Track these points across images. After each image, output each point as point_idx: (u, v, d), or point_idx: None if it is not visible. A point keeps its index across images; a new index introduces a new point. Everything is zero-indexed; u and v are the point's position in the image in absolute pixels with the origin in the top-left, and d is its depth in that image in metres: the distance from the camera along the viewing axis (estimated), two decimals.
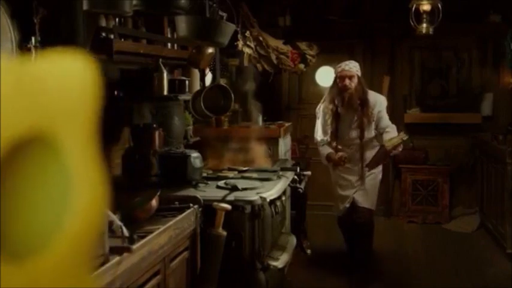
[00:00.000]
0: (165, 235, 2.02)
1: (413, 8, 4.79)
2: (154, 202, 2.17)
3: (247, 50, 4.63)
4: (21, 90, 0.56)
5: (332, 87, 3.99)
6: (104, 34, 2.74)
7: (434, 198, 5.57)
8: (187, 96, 3.48)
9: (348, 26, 5.69)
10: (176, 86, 3.40)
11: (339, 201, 4.01)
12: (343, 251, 4.21)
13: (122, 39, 2.92)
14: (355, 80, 3.83)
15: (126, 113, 2.88)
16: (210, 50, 3.58)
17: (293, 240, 3.29)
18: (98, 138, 0.70)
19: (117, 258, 1.65)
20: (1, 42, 1.92)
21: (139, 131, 2.78)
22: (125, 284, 1.69)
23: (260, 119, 4.29)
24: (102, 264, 1.59)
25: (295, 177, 3.37)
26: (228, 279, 2.48)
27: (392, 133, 3.81)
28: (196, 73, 3.93)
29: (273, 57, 4.73)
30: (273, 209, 2.78)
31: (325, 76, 5.68)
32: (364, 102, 3.86)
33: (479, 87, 5.71)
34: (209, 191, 2.67)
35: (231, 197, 2.55)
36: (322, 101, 4.09)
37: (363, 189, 3.92)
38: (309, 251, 3.82)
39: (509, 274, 3.98)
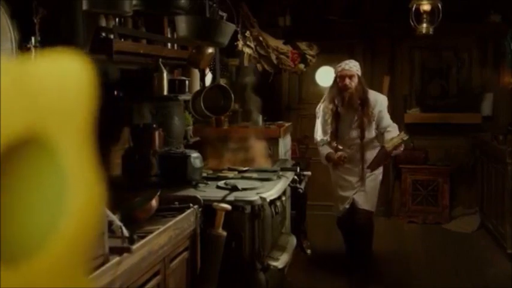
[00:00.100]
0: (165, 235, 2.02)
1: (414, 8, 4.79)
2: (154, 202, 2.17)
3: (247, 50, 4.63)
4: (18, 91, 0.56)
5: (332, 86, 3.98)
6: (103, 34, 2.74)
7: (434, 199, 5.57)
8: (187, 96, 3.48)
9: (348, 26, 5.69)
10: (176, 86, 3.40)
11: (339, 202, 4.00)
12: (343, 251, 4.21)
13: (122, 39, 2.92)
14: (356, 79, 3.82)
15: (126, 113, 2.88)
16: (210, 50, 3.58)
17: (293, 240, 3.29)
18: (95, 139, 0.69)
19: (117, 259, 1.64)
20: (1, 42, 1.92)
21: (139, 131, 2.78)
22: (124, 284, 1.69)
23: (260, 118, 4.29)
24: (102, 264, 1.58)
25: (295, 177, 3.36)
26: (228, 280, 2.48)
27: (393, 132, 3.80)
28: (196, 73, 3.93)
29: (273, 57, 4.73)
30: (273, 209, 2.78)
31: (325, 76, 5.68)
32: (365, 102, 3.85)
33: (480, 87, 5.71)
34: (209, 191, 2.67)
35: (231, 197, 2.55)
36: (322, 100, 4.08)
37: (363, 191, 3.90)
38: (309, 251, 3.83)
39: (510, 274, 3.98)
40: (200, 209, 2.39)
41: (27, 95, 0.57)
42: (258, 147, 3.57)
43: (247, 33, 4.57)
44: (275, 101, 5.88)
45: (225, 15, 3.03)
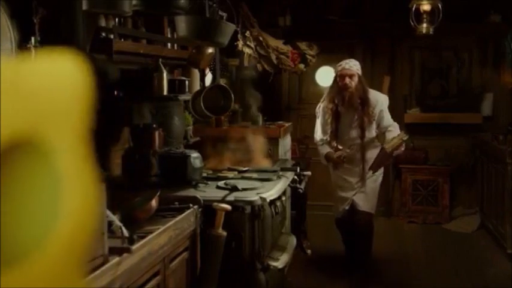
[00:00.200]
0: (165, 235, 2.02)
1: (414, 8, 4.79)
2: (154, 202, 2.17)
3: (247, 50, 4.62)
4: (12, 92, 0.55)
5: (332, 86, 3.96)
6: (103, 34, 2.74)
7: (434, 199, 5.57)
8: (187, 96, 3.48)
9: (348, 26, 5.68)
10: (176, 86, 3.39)
11: (339, 203, 3.99)
12: (343, 251, 4.21)
13: (122, 39, 2.92)
14: (356, 78, 3.80)
15: (126, 113, 2.88)
16: (210, 50, 3.58)
17: (293, 240, 3.29)
18: (93, 139, 0.68)
19: (116, 259, 1.64)
20: (1, 42, 1.92)
21: (139, 131, 2.78)
22: (124, 284, 1.69)
23: (260, 118, 4.29)
24: (102, 264, 1.58)
25: (295, 177, 3.36)
26: (228, 280, 2.47)
27: (394, 132, 3.79)
28: (196, 73, 3.93)
29: (273, 57, 4.73)
30: (273, 209, 2.78)
31: (325, 76, 5.68)
32: (365, 101, 3.83)
33: (480, 87, 5.71)
34: (209, 191, 2.66)
35: (231, 198, 2.55)
36: (322, 100, 4.06)
37: (363, 192, 3.88)
38: (309, 251, 3.82)
39: (510, 274, 3.98)
40: (200, 209, 2.38)
41: (21, 96, 0.56)
42: (258, 147, 3.57)
43: (247, 33, 4.57)
44: (275, 101, 5.88)
45: (225, 15, 3.03)
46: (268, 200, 2.64)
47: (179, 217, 2.19)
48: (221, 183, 2.81)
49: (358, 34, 5.74)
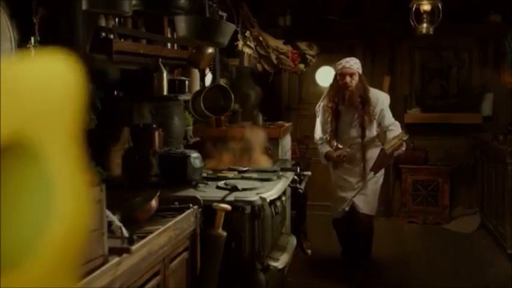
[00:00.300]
0: (165, 235, 2.02)
1: (414, 8, 4.79)
2: (154, 202, 2.16)
3: (247, 50, 4.62)
4: (4, 93, 0.54)
5: (332, 84, 3.94)
6: (103, 34, 2.74)
7: (434, 199, 5.57)
8: (187, 96, 3.48)
9: (348, 26, 5.68)
10: (176, 86, 3.39)
11: (338, 203, 3.97)
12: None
13: (122, 39, 2.92)
14: (356, 77, 3.78)
15: (126, 113, 2.88)
16: (210, 50, 3.58)
17: (293, 240, 3.29)
18: (84, 140, 0.67)
19: (116, 259, 1.64)
20: (0, 42, 1.92)
21: (139, 131, 2.77)
22: (124, 284, 1.69)
23: (260, 118, 4.29)
24: (102, 264, 1.58)
25: (295, 177, 3.36)
26: (228, 280, 2.47)
27: (395, 131, 3.77)
28: (196, 73, 3.93)
29: (273, 57, 4.73)
30: (273, 210, 2.77)
31: (325, 76, 5.67)
32: (365, 100, 3.81)
33: (480, 87, 5.71)
34: (209, 192, 2.66)
35: (231, 198, 2.55)
36: (322, 98, 4.05)
37: (363, 194, 3.86)
38: (309, 252, 3.82)
39: (510, 274, 3.98)
40: (200, 209, 2.38)
41: (11, 97, 0.55)
42: (258, 147, 3.57)
43: (247, 33, 4.57)
44: (275, 101, 5.88)
45: (225, 15, 3.03)
46: (268, 200, 2.64)
47: (179, 217, 2.18)
48: (221, 183, 2.80)
49: (358, 34, 5.74)
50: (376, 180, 3.90)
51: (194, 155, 2.76)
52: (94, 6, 2.23)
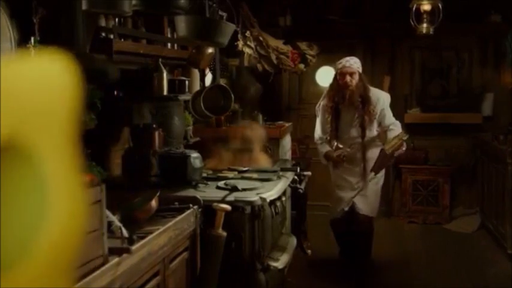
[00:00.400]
0: (165, 236, 2.01)
1: (414, 8, 4.79)
2: (154, 202, 2.16)
3: (247, 50, 4.62)
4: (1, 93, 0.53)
5: (332, 84, 3.93)
6: (103, 34, 2.74)
7: (434, 199, 5.56)
8: (187, 96, 3.48)
9: (348, 26, 5.68)
10: (176, 86, 3.39)
11: (337, 203, 3.96)
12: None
13: (122, 39, 2.92)
14: (356, 76, 3.77)
15: (126, 113, 2.88)
16: (210, 50, 3.58)
17: (293, 240, 3.28)
18: (78, 141, 0.66)
19: (116, 259, 1.64)
20: (0, 42, 1.92)
21: (139, 131, 2.77)
22: (124, 284, 1.68)
23: (260, 118, 4.28)
24: (102, 265, 1.58)
25: (296, 177, 3.35)
26: (228, 280, 2.47)
27: (396, 131, 3.76)
28: (196, 73, 3.92)
29: (273, 57, 4.73)
30: (273, 210, 2.77)
31: (325, 76, 5.67)
32: (366, 100, 3.79)
33: (480, 87, 5.71)
34: (209, 192, 2.66)
35: (231, 198, 2.54)
36: (322, 98, 4.04)
37: (364, 195, 3.85)
38: (309, 252, 3.81)
39: (510, 274, 3.97)
40: (200, 210, 2.38)
41: (7, 98, 0.54)
42: (258, 147, 3.56)
43: (248, 33, 4.57)
44: (275, 101, 5.88)
45: (225, 15, 3.03)
46: (268, 200, 2.64)
47: (179, 217, 2.18)
48: (221, 184, 2.80)
49: (358, 34, 5.74)
50: (376, 181, 3.88)
51: (194, 155, 2.76)
52: (94, 6, 2.23)
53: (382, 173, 3.91)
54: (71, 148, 0.64)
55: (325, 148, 3.93)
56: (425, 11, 4.77)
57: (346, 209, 3.90)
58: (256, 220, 2.55)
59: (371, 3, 5.75)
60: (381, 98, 3.87)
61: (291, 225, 3.46)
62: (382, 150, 3.69)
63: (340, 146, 3.88)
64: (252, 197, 2.57)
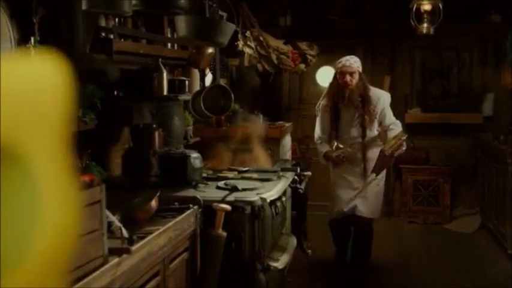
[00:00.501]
0: (165, 236, 2.01)
1: (414, 8, 4.78)
2: (154, 203, 2.16)
3: (247, 50, 4.62)
4: None
5: (332, 83, 3.91)
6: (103, 34, 2.74)
7: (435, 199, 5.56)
8: (187, 96, 3.47)
9: (348, 26, 5.68)
10: (176, 86, 3.39)
11: (336, 202, 3.93)
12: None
13: (122, 39, 2.92)
14: (356, 76, 3.75)
15: (126, 113, 2.88)
16: (210, 50, 3.58)
17: (293, 241, 3.28)
18: (71, 143, 0.64)
19: (116, 260, 1.64)
20: (0, 41, 1.91)
21: (139, 131, 2.77)
22: (124, 285, 1.68)
23: (260, 118, 4.28)
24: (101, 265, 1.58)
25: (296, 177, 3.35)
26: (228, 280, 2.47)
27: (396, 130, 3.74)
28: (196, 73, 3.92)
29: (274, 57, 4.72)
30: (273, 210, 2.77)
31: (325, 76, 5.66)
32: (366, 99, 3.77)
33: (480, 87, 5.70)
34: (209, 192, 2.66)
35: (231, 198, 2.54)
36: (321, 97, 4.02)
37: (364, 197, 3.83)
38: (309, 252, 3.81)
39: (510, 274, 3.97)
40: (200, 210, 2.38)
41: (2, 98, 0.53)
42: (258, 147, 3.56)
43: (248, 33, 4.56)
44: (275, 101, 5.88)
45: (225, 15, 3.03)
46: (268, 201, 2.64)
47: (179, 217, 2.18)
48: (221, 184, 2.80)
49: (358, 34, 5.74)
50: (377, 182, 3.86)
51: (194, 155, 2.75)
52: (94, 6, 2.23)
53: (383, 173, 3.89)
54: (64, 149, 0.63)
55: (324, 148, 3.91)
56: (425, 11, 4.77)
57: (346, 209, 3.88)
58: (256, 220, 2.55)
59: (371, 3, 5.75)
60: (381, 98, 3.86)
61: (291, 226, 3.46)
62: (381, 151, 3.67)
63: (340, 145, 3.87)
64: (252, 197, 2.57)
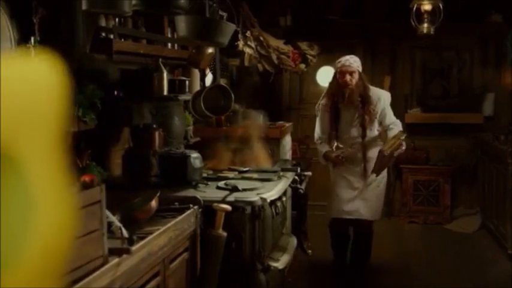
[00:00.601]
0: (165, 236, 2.01)
1: (414, 8, 4.78)
2: (154, 203, 2.16)
3: (247, 50, 4.62)
4: None
5: (332, 83, 3.90)
6: (103, 34, 2.74)
7: (435, 199, 5.56)
8: (187, 97, 3.47)
9: (348, 26, 5.68)
10: (176, 86, 3.38)
11: (335, 202, 3.91)
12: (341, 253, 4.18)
13: (122, 39, 2.92)
14: (356, 75, 3.73)
15: (126, 113, 2.87)
16: (210, 50, 3.57)
17: (294, 241, 3.28)
18: (66, 144, 0.63)
19: (116, 260, 1.64)
20: (0, 41, 1.91)
21: (139, 131, 2.77)
22: (124, 285, 1.68)
23: (260, 118, 4.27)
24: (101, 265, 1.58)
25: (296, 177, 3.35)
26: (228, 280, 2.47)
27: (395, 130, 3.73)
28: (196, 73, 3.92)
29: (274, 57, 4.72)
30: (273, 210, 2.77)
31: (326, 76, 5.65)
32: (366, 99, 3.76)
33: (481, 87, 5.70)
34: (209, 192, 2.66)
35: (231, 198, 2.54)
36: (321, 97, 4.01)
37: (364, 199, 3.82)
38: (309, 252, 3.80)
39: (511, 274, 3.97)
40: (200, 210, 2.38)
41: None
42: (259, 147, 3.56)
43: (248, 33, 4.56)
44: (276, 101, 5.87)
45: (225, 15, 3.03)
46: (268, 201, 2.63)
47: (179, 218, 2.18)
48: (221, 184, 2.80)
49: (358, 34, 5.73)
50: (377, 183, 3.83)
51: (194, 155, 2.75)
52: (94, 6, 2.23)
53: (384, 174, 3.87)
54: (59, 150, 0.62)
55: (324, 148, 3.90)
56: (425, 11, 4.76)
57: (346, 209, 3.86)
58: (256, 220, 2.55)
59: (371, 3, 5.75)
60: (382, 97, 3.84)
61: (291, 226, 3.45)
62: (380, 151, 3.64)
63: (341, 145, 3.86)
64: (253, 197, 2.57)
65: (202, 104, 3.30)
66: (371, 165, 3.77)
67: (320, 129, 3.95)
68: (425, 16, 4.78)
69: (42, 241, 0.59)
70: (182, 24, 2.71)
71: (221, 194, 2.61)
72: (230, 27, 2.85)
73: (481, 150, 5.53)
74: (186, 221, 2.24)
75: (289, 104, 6.10)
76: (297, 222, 3.54)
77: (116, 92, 2.92)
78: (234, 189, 2.67)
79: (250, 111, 4.21)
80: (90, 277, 1.48)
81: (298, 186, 3.36)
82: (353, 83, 3.73)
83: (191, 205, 2.34)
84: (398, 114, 4.15)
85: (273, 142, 3.93)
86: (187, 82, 3.56)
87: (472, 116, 5.62)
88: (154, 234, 1.92)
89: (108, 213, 1.76)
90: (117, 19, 2.88)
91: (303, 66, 4.98)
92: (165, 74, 3.10)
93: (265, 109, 4.40)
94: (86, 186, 1.65)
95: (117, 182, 2.62)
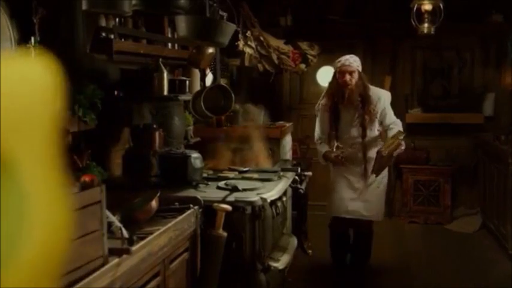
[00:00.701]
0: (165, 236, 2.01)
1: (415, 8, 4.78)
2: (154, 203, 2.16)
3: (248, 50, 4.62)
4: None
5: (331, 82, 3.88)
6: (103, 34, 2.73)
7: (435, 199, 5.55)
8: (187, 97, 3.47)
9: (349, 25, 5.67)
10: (176, 86, 3.38)
11: (334, 202, 3.91)
12: (340, 254, 4.18)
13: (122, 39, 2.92)
14: (356, 75, 3.72)
15: (126, 113, 2.87)
16: (211, 50, 3.57)
17: (294, 241, 3.28)
18: (61, 146, 0.62)
19: (116, 260, 1.64)
20: (0, 41, 1.91)
21: (139, 131, 2.77)
22: (124, 285, 1.68)
23: (261, 118, 4.28)
24: (101, 265, 1.58)
25: (296, 177, 3.34)
26: (229, 281, 2.47)
27: (395, 130, 3.72)
28: (196, 73, 3.92)
29: (274, 57, 4.72)
30: (273, 210, 2.76)
31: (326, 76, 5.64)
32: (365, 99, 3.74)
33: (481, 87, 5.70)
34: (209, 192, 2.65)
35: (231, 198, 2.54)
36: (321, 97, 4.01)
37: (365, 201, 3.80)
38: (310, 252, 3.80)
39: (511, 275, 3.97)
40: (200, 210, 2.37)
41: None
42: (259, 147, 3.55)
43: (248, 33, 4.56)
44: (276, 101, 5.87)
45: (225, 15, 3.03)
46: (268, 201, 2.63)
47: (179, 218, 2.18)
48: (221, 184, 2.80)
49: (359, 34, 5.73)
50: (377, 184, 3.82)
51: (195, 155, 2.75)
52: (94, 6, 2.23)
53: (384, 174, 3.85)
54: (53, 152, 0.61)
55: (324, 148, 3.89)
56: (426, 11, 4.76)
57: (347, 208, 3.86)
58: (256, 220, 2.55)
59: (372, 3, 5.75)
60: (382, 97, 3.83)
61: (291, 226, 3.45)
62: (378, 152, 3.61)
63: (340, 145, 3.85)
64: (253, 197, 2.56)
65: (202, 104, 3.29)
66: (371, 165, 3.76)
67: (320, 129, 3.94)
68: (426, 16, 4.77)
69: (38, 242, 0.58)
70: (182, 24, 2.71)
71: (221, 194, 2.61)
72: (230, 27, 2.84)
73: (481, 150, 5.52)
74: (186, 221, 2.24)
75: (289, 104, 6.10)
76: (297, 222, 3.54)
77: (116, 92, 2.92)
78: (234, 189, 2.67)
79: (250, 106, 4.21)
80: (90, 277, 1.48)
81: (299, 186, 3.36)
82: (353, 83, 3.72)
83: (191, 205, 2.34)
84: (398, 114, 4.14)
85: (273, 142, 3.92)
86: (187, 82, 3.56)
87: (472, 116, 5.62)
88: (155, 234, 1.92)
89: (108, 213, 1.75)
90: (117, 19, 2.88)
91: (303, 66, 4.98)
92: (165, 74, 3.10)
93: (266, 109, 4.41)
94: (86, 187, 1.65)
95: (117, 182, 2.62)
